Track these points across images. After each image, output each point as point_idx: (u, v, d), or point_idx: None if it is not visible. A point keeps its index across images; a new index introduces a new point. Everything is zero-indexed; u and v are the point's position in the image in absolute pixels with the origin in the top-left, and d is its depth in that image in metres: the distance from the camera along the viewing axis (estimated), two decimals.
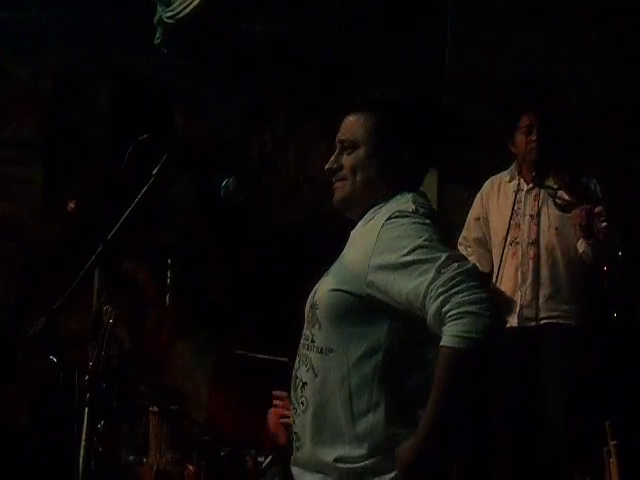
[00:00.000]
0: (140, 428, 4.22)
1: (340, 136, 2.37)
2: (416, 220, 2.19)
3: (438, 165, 5.66)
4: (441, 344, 2.05)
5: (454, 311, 2.03)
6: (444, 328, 2.05)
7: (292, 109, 5.74)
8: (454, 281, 2.05)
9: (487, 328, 2.02)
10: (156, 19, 5.58)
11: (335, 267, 2.29)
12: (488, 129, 5.42)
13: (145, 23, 5.65)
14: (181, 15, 5.41)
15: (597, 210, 3.92)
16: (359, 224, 2.35)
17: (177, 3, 5.41)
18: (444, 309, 2.05)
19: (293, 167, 5.64)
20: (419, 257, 2.11)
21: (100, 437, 3.73)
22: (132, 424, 4.27)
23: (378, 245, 2.17)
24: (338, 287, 2.21)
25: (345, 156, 2.34)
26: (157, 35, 5.61)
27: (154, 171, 2.62)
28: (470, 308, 2.03)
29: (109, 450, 3.99)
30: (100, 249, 2.46)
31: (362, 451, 2.16)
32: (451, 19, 5.82)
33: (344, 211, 2.39)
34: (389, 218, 2.20)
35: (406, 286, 2.11)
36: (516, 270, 4.25)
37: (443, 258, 2.09)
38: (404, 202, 2.26)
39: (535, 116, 4.26)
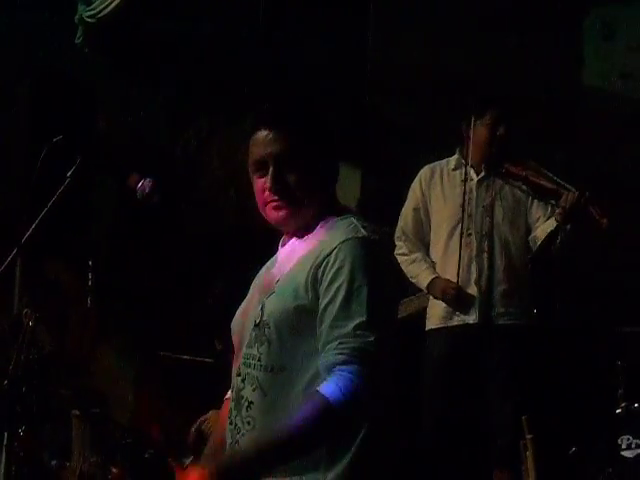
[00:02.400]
0: (62, 432, 4.17)
1: (260, 154, 2.30)
2: (367, 252, 2.19)
3: (361, 162, 5.70)
4: (319, 389, 2.10)
5: (341, 374, 2.09)
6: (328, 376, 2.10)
7: (216, 109, 5.73)
8: (358, 352, 2.10)
9: (355, 405, 2.08)
10: (77, 18, 5.53)
11: (284, 285, 2.25)
12: (410, 126, 5.48)
13: (66, 22, 5.59)
14: (102, 14, 5.37)
15: (580, 195, 3.96)
16: (299, 239, 2.33)
17: (98, 2, 5.37)
18: (335, 368, 2.10)
19: (217, 168, 5.62)
20: (354, 300, 2.14)
21: (21, 442, 3.67)
22: (54, 428, 4.22)
23: (327, 265, 2.18)
24: (293, 304, 2.20)
25: (276, 174, 2.28)
26: (78, 34, 5.56)
27: (68, 173, 2.58)
28: (355, 383, 2.08)
29: (31, 455, 3.94)
30: (15, 252, 2.43)
31: (318, 476, 2.15)
32: (373, 18, 5.87)
33: (282, 227, 2.36)
34: (344, 241, 2.19)
35: (326, 319, 2.15)
36: (469, 262, 4.19)
37: (365, 319, 2.12)
38: (353, 225, 2.25)
39: (504, 111, 4.28)
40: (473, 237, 4.19)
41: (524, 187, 4.19)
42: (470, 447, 4.12)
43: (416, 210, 4.39)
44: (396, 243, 4.40)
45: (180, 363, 4.80)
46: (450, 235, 4.24)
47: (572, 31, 5.94)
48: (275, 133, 2.28)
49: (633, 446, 3.96)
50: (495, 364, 4.11)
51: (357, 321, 2.12)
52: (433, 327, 4.29)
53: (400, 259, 4.32)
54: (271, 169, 2.27)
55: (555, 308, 4.72)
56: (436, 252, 4.31)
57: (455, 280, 4.18)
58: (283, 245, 2.39)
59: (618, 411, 4.04)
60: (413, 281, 4.31)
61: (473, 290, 4.17)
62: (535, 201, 4.22)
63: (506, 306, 4.17)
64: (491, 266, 4.16)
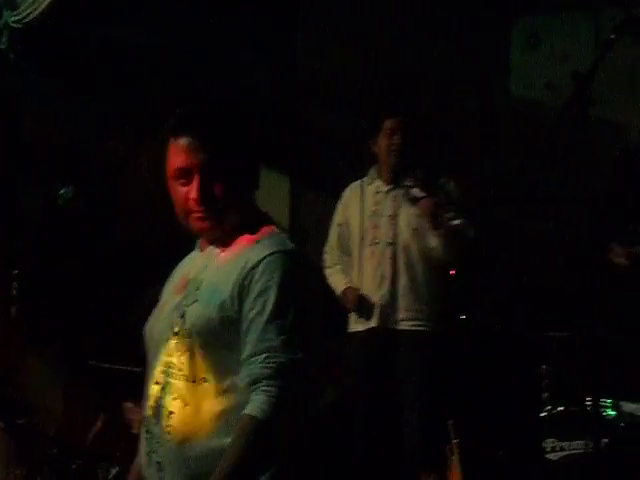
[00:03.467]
0: None
1: (184, 162, 2.25)
2: (294, 266, 2.19)
3: (291, 171, 5.71)
4: (246, 411, 2.11)
5: (267, 389, 2.10)
6: (252, 395, 2.11)
7: (144, 117, 5.69)
8: (285, 367, 2.11)
9: (282, 419, 2.10)
10: (2, 23, 5.44)
11: (208, 295, 2.22)
12: (341, 133, 5.51)
13: None
14: (28, 19, 5.29)
15: (440, 200, 4.03)
16: (220, 247, 2.30)
17: (24, 7, 5.28)
18: (261, 382, 2.11)
19: (145, 176, 5.58)
20: (282, 314, 2.14)
21: None
22: None
23: (254, 278, 2.17)
24: (218, 315, 2.18)
25: (203, 185, 2.23)
26: (3, 40, 5.47)
27: None
28: (281, 398, 2.09)
29: None
30: None
31: None
32: (302, 26, 5.89)
33: (207, 237, 2.33)
34: (272, 253, 2.18)
35: (254, 331, 2.14)
36: (375, 270, 4.32)
37: (294, 334, 2.13)
38: (280, 237, 2.25)
39: (398, 120, 4.34)
40: (379, 246, 4.31)
41: (409, 196, 4.27)
42: (395, 450, 4.17)
43: (340, 225, 4.57)
44: (324, 257, 4.59)
45: (110, 373, 4.76)
46: (361, 245, 4.39)
47: (500, 40, 6.03)
48: (199, 141, 2.23)
49: (557, 449, 4.02)
50: (402, 368, 4.21)
51: (286, 336, 2.12)
52: (350, 331, 4.47)
53: (325, 272, 4.52)
54: (196, 179, 2.23)
55: (479, 313, 4.77)
56: (354, 263, 4.46)
57: (365, 288, 4.34)
58: (202, 249, 2.36)
59: (543, 415, 4.11)
60: (336, 292, 4.47)
61: (377, 296, 4.25)
62: None
63: (408, 311, 4.28)
64: (394, 273, 4.28)
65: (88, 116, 5.63)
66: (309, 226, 5.36)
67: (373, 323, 4.31)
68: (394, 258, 4.30)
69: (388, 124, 4.35)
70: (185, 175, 2.25)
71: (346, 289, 4.41)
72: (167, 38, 5.57)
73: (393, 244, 4.31)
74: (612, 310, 4.76)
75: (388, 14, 5.68)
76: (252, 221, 2.29)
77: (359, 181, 4.53)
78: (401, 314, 4.29)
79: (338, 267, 4.50)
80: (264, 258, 2.17)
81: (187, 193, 2.25)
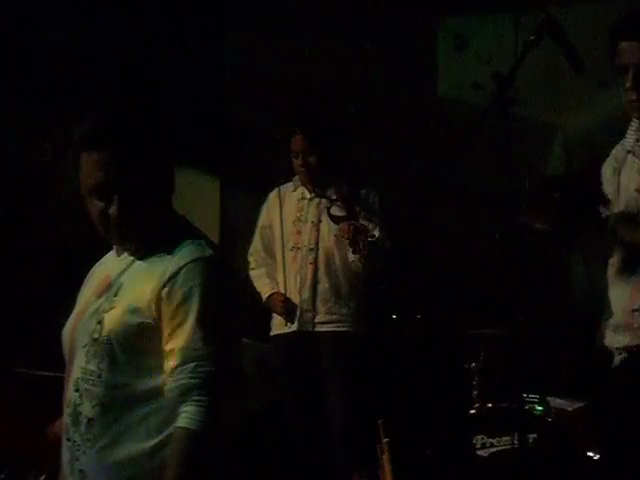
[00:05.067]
0: None
1: (99, 179, 2.19)
2: (216, 273, 2.19)
3: (221, 172, 5.69)
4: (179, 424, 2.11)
5: (198, 399, 2.10)
6: (183, 407, 2.11)
7: (73, 119, 5.60)
8: (214, 377, 2.11)
9: (213, 428, 2.11)
10: None
11: (126, 301, 2.21)
12: (272, 134, 5.51)
13: None
14: None
15: (361, 227, 4.07)
16: (137, 253, 2.28)
17: None
18: (191, 393, 2.11)
19: (73, 179, 5.50)
20: (208, 323, 2.13)
21: None
22: None
23: (175, 286, 2.16)
24: (136, 322, 2.17)
25: (122, 204, 2.19)
26: None
27: None
28: (211, 409, 2.10)
29: None
30: None
31: None
32: (229, 27, 5.87)
33: (125, 248, 2.31)
34: (192, 260, 2.18)
35: (179, 340, 2.13)
36: (296, 274, 4.38)
37: (221, 343, 2.13)
38: (199, 244, 2.23)
39: (300, 141, 4.36)
40: (301, 251, 4.37)
41: (331, 213, 4.29)
42: (327, 451, 4.19)
43: (264, 228, 4.60)
44: (248, 259, 4.61)
45: (37, 379, 4.68)
46: (285, 250, 4.43)
47: (426, 41, 6.09)
48: (112, 156, 2.18)
49: (487, 445, 4.08)
50: (324, 370, 4.24)
51: (213, 344, 2.12)
52: (272, 334, 4.52)
53: (250, 274, 4.57)
54: (115, 198, 2.19)
55: (410, 313, 4.81)
56: (278, 267, 4.50)
57: (288, 291, 4.39)
58: (118, 254, 2.34)
59: (472, 412, 4.16)
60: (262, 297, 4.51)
61: (298, 300, 4.36)
62: None
63: (329, 314, 4.33)
64: (315, 278, 4.33)
65: (15, 118, 5.54)
66: (240, 227, 5.34)
67: (295, 327, 4.36)
68: (315, 263, 4.35)
69: (292, 145, 4.40)
70: (102, 191, 2.20)
71: (272, 294, 4.45)
72: (96, 37, 5.49)
73: (314, 249, 4.36)
74: (539, 307, 4.85)
75: (315, 15, 5.69)
76: (170, 227, 2.28)
77: (284, 186, 4.58)
78: (322, 317, 4.34)
79: (263, 270, 4.54)
80: (184, 266, 2.16)
81: (104, 209, 2.21)
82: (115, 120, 2.25)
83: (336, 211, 4.24)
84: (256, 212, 4.70)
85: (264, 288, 4.48)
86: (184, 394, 2.10)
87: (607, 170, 2.99)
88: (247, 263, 4.58)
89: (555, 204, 2.71)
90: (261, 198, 4.71)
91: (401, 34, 5.84)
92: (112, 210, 2.20)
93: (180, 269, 2.16)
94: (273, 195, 4.58)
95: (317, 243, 4.36)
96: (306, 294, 4.34)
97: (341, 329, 4.32)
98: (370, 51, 5.74)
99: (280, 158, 4.97)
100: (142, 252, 2.28)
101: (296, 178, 4.52)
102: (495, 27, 5.67)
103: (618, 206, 2.88)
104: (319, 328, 4.34)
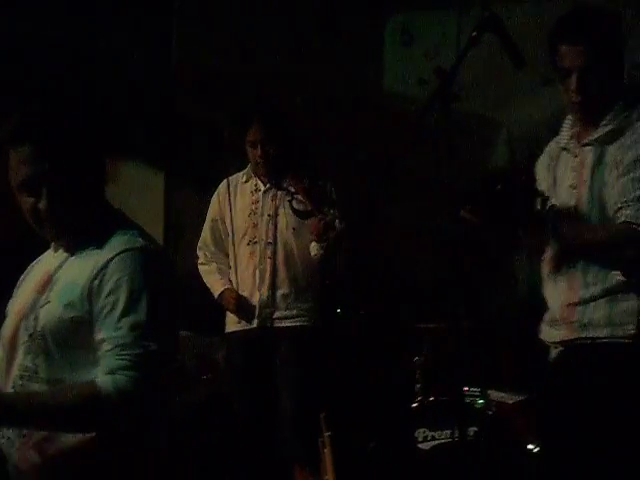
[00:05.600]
0: None
1: (28, 174, 2.18)
2: (146, 263, 2.19)
3: (165, 167, 5.65)
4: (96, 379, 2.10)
5: (122, 375, 2.09)
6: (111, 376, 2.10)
7: (15, 108, 5.51)
8: (139, 359, 2.10)
9: (125, 406, 2.09)
10: None
11: (59, 296, 2.20)
12: (216, 129, 5.47)
13: None
14: None
15: (330, 222, 3.97)
16: (71, 248, 2.28)
17: None
18: (116, 372, 2.09)
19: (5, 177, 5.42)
20: (134, 309, 2.14)
21: None
22: None
23: (105, 277, 2.16)
24: (69, 316, 2.16)
25: (51, 199, 2.19)
26: None
27: None
28: (132, 386, 2.09)
29: None
30: None
31: None
32: (177, 18, 5.82)
33: (58, 243, 2.32)
34: (122, 252, 2.18)
35: (106, 327, 2.13)
36: (254, 270, 4.29)
37: (146, 328, 2.12)
38: (130, 235, 2.24)
39: (259, 131, 4.30)
40: (258, 245, 4.30)
41: (294, 206, 4.22)
42: (272, 444, 4.18)
43: (214, 221, 4.51)
44: (197, 253, 4.53)
45: None
46: (239, 244, 4.36)
47: (373, 37, 6.11)
48: (41, 150, 2.17)
49: (429, 438, 4.11)
50: (281, 366, 4.20)
51: (138, 331, 2.11)
52: (228, 331, 4.45)
53: (200, 269, 4.49)
54: (44, 193, 2.18)
55: (354, 306, 4.81)
56: (231, 261, 4.42)
57: (241, 287, 4.33)
58: (55, 250, 2.34)
59: (414, 405, 4.19)
60: (214, 294, 4.44)
61: (256, 296, 4.24)
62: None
63: (289, 310, 4.28)
64: (274, 272, 4.26)
65: None
66: (185, 222, 5.31)
67: (253, 323, 4.29)
68: (273, 257, 4.28)
69: (250, 135, 4.32)
70: (30, 186, 2.19)
71: (224, 291, 4.37)
72: (42, 27, 5.41)
73: (272, 243, 4.28)
74: (481, 301, 4.89)
75: (263, 11, 5.67)
76: (102, 220, 2.28)
77: (234, 177, 4.49)
78: (281, 313, 4.28)
79: (213, 265, 4.46)
80: (113, 258, 2.17)
81: (34, 204, 2.20)
82: (40, 115, 2.23)
83: (298, 205, 4.13)
84: (201, 207, 4.66)
85: (215, 285, 4.41)
86: (108, 372, 2.10)
87: (541, 167, 3.03)
88: (195, 257, 4.53)
89: (491, 200, 2.73)
90: (206, 193, 4.68)
91: (348, 30, 5.86)
92: (42, 205, 2.19)
93: (109, 261, 2.17)
94: (223, 187, 4.50)
95: (275, 237, 4.28)
96: (265, 290, 4.27)
97: (299, 324, 4.27)
98: (318, 47, 5.74)
99: (227, 152, 4.96)
100: (75, 247, 2.27)
101: (248, 169, 4.44)
102: (441, 23, 5.70)
103: (553, 202, 2.92)
104: (278, 324, 4.28)
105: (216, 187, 4.60)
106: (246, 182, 4.44)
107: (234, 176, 4.50)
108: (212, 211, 4.51)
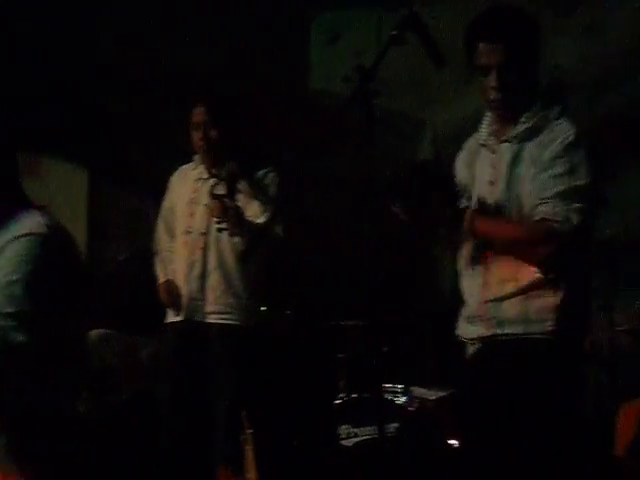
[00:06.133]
0: None
1: None
2: (40, 247, 2.22)
3: (88, 162, 5.57)
4: None
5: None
6: None
7: None
8: (15, 340, 2.13)
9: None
10: None
11: None
12: (144, 123, 5.42)
13: None
14: None
15: (233, 206, 3.92)
16: None
17: None
18: None
19: None
20: (19, 289, 2.17)
21: None
22: None
23: (3, 262, 2.20)
24: None
25: None
26: None
27: None
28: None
29: None
30: None
31: None
32: (101, 10, 5.74)
33: None
34: (20, 236, 2.22)
35: None
36: (186, 260, 4.17)
37: (16, 310, 2.15)
38: (33, 220, 2.27)
39: (203, 112, 4.16)
40: (192, 235, 4.19)
41: (214, 192, 4.16)
42: (197, 442, 4.11)
43: (166, 209, 4.39)
44: (154, 242, 4.40)
45: None
46: (178, 233, 4.25)
47: (301, 35, 6.12)
48: None
49: (352, 435, 4.13)
50: (211, 362, 4.12)
51: (15, 321, 2.15)
52: (166, 322, 4.29)
53: (155, 259, 4.35)
54: None
55: (279, 304, 4.80)
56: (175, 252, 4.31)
57: (177, 278, 4.20)
58: None
59: (337, 402, 4.20)
60: None
61: (186, 288, 4.19)
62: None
63: (218, 304, 4.16)
64: (205, 264, 4.16)
65: None
66: (109, 218, 5.25)
67: (182, 316, 4.17)
68: (205, 249, 4.15)
69: (194, 117, 4.19)
70: None
71: (161, 283, 4.25)
72: None
73: (206, 234, 4.14)
74: (403, 297, 4.92)
75: (192, 8, 5.64)
76: (16, 210, 2.30)
77: (187, 165, 4.36)
78: (211, 307, 4.14)
79: (163, 254, 4.32)
80: (11, 240, 2.21)
81: None
82: None
83: (219, 189, 4.06)
84: (125, 204, 4.60)
85: (159, 276, 4.28)
86: None
87: (460, 163, 3.06)
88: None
89: (409, 197, 2.75)
90: (130, 190, 4.62)
91: (275, 28, 5.86)
92: None
93: (7, 243, 2.21)
94: (176, 174, 4.37)
95: (208, 227, 4.13)
96: (195, 282, 4.14)
97: (230, 322, 4.13)
98: (245, 45, 5.73)
99: (153, 147, 4.91)
100: None
101: (197, 157, 4.29)
102: (367, 22, 5.74)
103: (470, 199, 2.95)
104: (208, 319, 4.14)
105: (142, 181, 4.52)
106: (194, 169, 4.31)
107: (186, 165, 4.37)
108: (166, 199, 4.39)
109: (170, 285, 4.21)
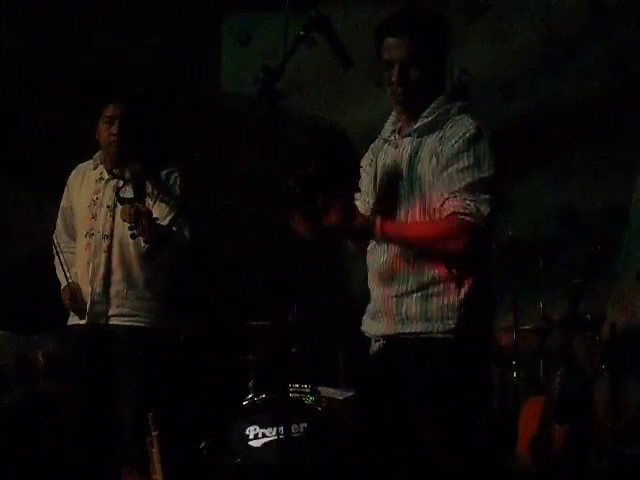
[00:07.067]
0: None
1: None
2: None
3: None
4: None
5: None
6: None
7: None
8: None
9: None
10: None
11: None
12: (47, 121, 5.33)
13: None
14: None
15: (145, 209, 3.87)
16: None
17: None
18: None
19: None
20: None
21: None
22: None
23: None
24: None
25: None
26: None
27: None
28: None
29: None
30: None
31: None
32: (3, 6, 5.62)
33: None
34: None
35: None
36: (89, 263, 4.11)
37: None
38: None
39: (118, 107, 4.11)
40: (95, 237, 4.14)
41: (120, 194, 4.10)
42: (100, 446, 4.05)
43: (65, 209, 4.32)
44: (54, 241, 4.31)
45: None
46: (80, 235, 4.19)
47: (212, 36, 6.10)
48: None
49: (260, 436, 4.13)
50: (117, 367, 4.06)
51: None
52: (68, 324, 4.25)
53: (55, 260, 4.28)
54: None
55: (188, 306, 4.76)
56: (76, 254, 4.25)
57: (80, 281, 4.15)
58: None
59: (245, 403, 4.19)
60: None
61: (89, 291, 4.14)
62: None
63: (122, 307, 4.12)
64: (108, 268, 4.11)
65: None
66: (12, 220, 5.15)
67: (85, 319, 4.11)
68: (109, 251, 4.10)
69: (108, 111, 4.12)
70: None
71: (64, 287, 4.19)
72: None
73: (109, 237, 4.09)
74: (314, 297, 4.94)
75: (94, 5, 5.57)
76: None
77: (85, 164, 4.30)
78: (114, 310, 4.10)
79: (60, 257, 4.23)
80: None
81: None
82: None
83: (126, 192, 4.01)
84: (29, 205, 4.51)
85: (60, 279, 4.21)
86: None
87: (364, 163, 3.08)
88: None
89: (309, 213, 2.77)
90: (36, 188, 4.54)
91: (188, 27, 5.83)
92: None
93: None
94: (74, 173, 4.30)
95: (112, 230, 4.09)
96: (98, 285, 4.08)
97: (135, 324, 4.09)
98: (156, 45, 5.68)
99: (58, 146, 4.82)
100: None
101: (97, 156, 4.23)
102: (280, 23, 5.73)
103: (375, 195, 2.98)
104: (112, 321, 4.09)
105: (46, 181, 4.43)
106: (94, 169, 4.24)
107: (84, 163, 4.31)
108: (63, 199, 4.32)
109: (73, 288, 4.15)
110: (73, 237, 4.28)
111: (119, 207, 4.02)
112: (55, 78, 5.34)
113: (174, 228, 3.91)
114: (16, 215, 4.66)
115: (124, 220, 3.88)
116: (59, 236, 4.32)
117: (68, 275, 4.17)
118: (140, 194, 3.97)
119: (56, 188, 4.40)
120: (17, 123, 5.36)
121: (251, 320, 4.60)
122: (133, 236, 3.78)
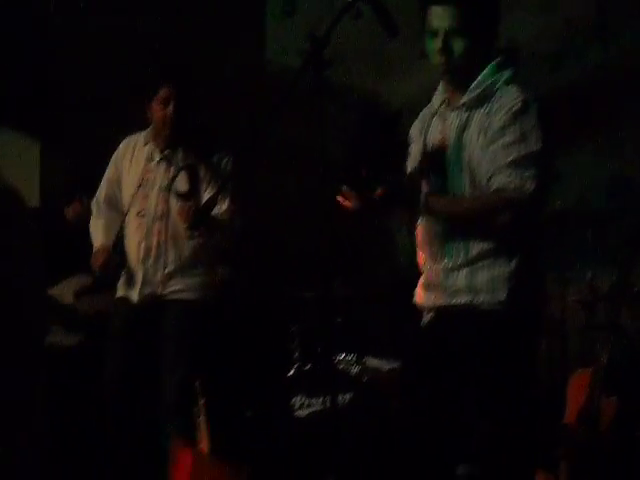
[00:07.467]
0: None
1: None
2: None
3: (41, 133, 5.49)
4: None
5: None
6: None
7: None
8: None
9: None
10: None
11: None
12: (98, 98, 5.35)
13: None
14: None
15: (202, 208, 3.79)
16: None
17: None
18: None
19: None
20: None
21: None
22: None
23: None
24: None
25: None
26: None
27: None
28: None
29: None
30: None
31: None
32: None
33: None
34: None
35: None
36: (139, 244, 4.12)
37: None
38: None
39: (174, 88, 4.10)
40: (146, 219, 4.13)
41: (177, 191, 4.07)
42: (150, 418, 4.08)
43: (110, 181, 4.31)
44: (92, 209, 4.34)
45: None
46: (129, 213, 4.18)
47: (256, 8, 6.08)
48: None
49: (305, 405, 4.14)
50: (164, 340, 4.07)
51: None
52: (117, 296, 4.27)
53: (91, 223, 4.30)
54: None
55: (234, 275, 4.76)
56: (125, 231, 4.24)
57: (128, 257, 4.17)
58: None
59: (291, 373, 4.21)
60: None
61: (141, 270, 4.14)
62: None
63: (172, 286, 4.13)
64: (159, 248, 4.11)
65: None
66: (61, 193, 5.18)
67: (134, 297, 4.14)
68: (161, 234, 4.10)
69: (163, 92, 4.10)
70: None
71: (96, 249, 4.19)
72: None
73: (161, 219, 4.10)
74: (359, 269, 4.94)
75: None
76: None
77: (135, 136, 4.28)
78: (165, 289, 4.11)
79: (100, 221, 4.27)
80: None
81: None
82: None
83: (181, 183, 3.98)
84: (77, 174, 4.53)
85: (95, 241, 4.22)
86: None
87: (414, 131, 3.07)
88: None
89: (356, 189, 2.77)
90: (83, 160, 4.55)
91: (231, 1, 5.82)
92: None
93: None
94: (123, 146, 4.28)
95: (164, 213, 4.09)
96: (150, 266, 4.10)
97: (185, 297, 4.10)
98: (201, 18, 5.68)
99: (107, 123, 4.84)
100: None
101: (147, 132, 4.22)
102: None
103: (423, 167, 2.97)
104: (162, 299, 4.11)
105: (93, 158, 4.43)
106: (144, 145, 4.23)
107: (135, 136, 4.30)
108: (109, 170, 4.31)
109: (105, 253, 4.16)
110: (113, 206, 4.28)
111: (172, 190, 4.03)
112: (105, 49, 5.36)
113: (224, 217, 3.97)
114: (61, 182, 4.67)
115: (181, 220, 3.91)
116: (98, 203, 4.32)
117: (102, 237, 4.20)
118: (194, 188, 3.97)
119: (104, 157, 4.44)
120: (66, 94, 5.40)
121: (298, 291, 4.60)
122: (191, 236, 3.87)
